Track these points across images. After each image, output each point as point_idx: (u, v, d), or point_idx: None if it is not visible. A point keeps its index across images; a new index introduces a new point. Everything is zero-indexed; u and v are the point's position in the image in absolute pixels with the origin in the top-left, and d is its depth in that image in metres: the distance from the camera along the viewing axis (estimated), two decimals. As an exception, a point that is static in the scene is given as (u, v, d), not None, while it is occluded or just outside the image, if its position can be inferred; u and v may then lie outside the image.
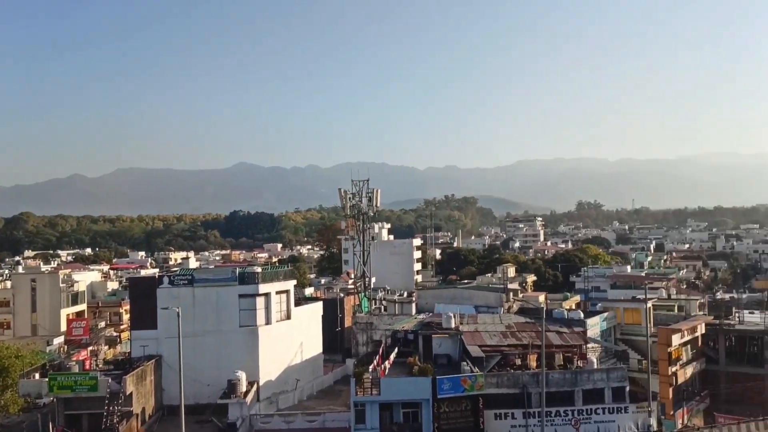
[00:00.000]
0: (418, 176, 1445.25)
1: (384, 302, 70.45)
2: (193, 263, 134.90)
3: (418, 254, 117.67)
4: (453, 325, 45.75)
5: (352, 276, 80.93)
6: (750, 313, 61.95)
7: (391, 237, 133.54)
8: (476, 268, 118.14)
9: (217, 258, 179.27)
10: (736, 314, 58.97)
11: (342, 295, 69.41)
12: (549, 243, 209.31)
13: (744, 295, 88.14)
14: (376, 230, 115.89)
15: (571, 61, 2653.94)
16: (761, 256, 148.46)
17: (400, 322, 53.10)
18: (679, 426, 45.57)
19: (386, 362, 41.79)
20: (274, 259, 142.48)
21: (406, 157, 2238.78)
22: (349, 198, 68.82)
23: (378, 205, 70.88)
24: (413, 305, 63.57)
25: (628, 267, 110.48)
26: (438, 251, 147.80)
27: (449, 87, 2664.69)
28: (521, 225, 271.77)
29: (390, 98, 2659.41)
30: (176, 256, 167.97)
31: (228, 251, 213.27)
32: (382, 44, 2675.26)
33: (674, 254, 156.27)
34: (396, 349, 44.58)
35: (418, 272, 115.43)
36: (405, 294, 79.64)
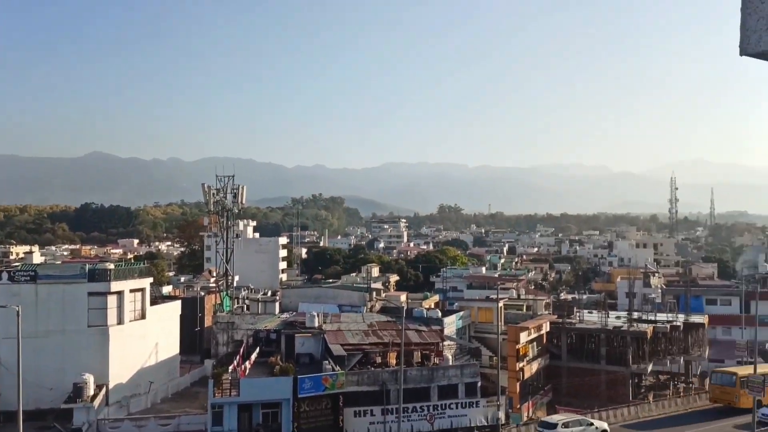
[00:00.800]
0: (286, 174, 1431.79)
1: (247, 301, 69.03)
2: (37, 258, 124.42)
3: (283, 253, 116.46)
4: (316, 324, 45.75)
5: (214, 274, 78.51)
6: (589, 312, 67.49)
7: (257, 235, 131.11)
8: (341, 268, 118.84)
9: (65, 253, 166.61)
10: (577, 313, 63.94)
11: (203, 293, 67.10)
12: (412, 244, 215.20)
13: (584, 296, 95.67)
14: (241, 227, 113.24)
15: (436, 67, 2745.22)
16: (600, 260, 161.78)
17: (262, 321, 52.26)
18: (525, 419, 48.62)
19: (247, 362, 40.99)
20: (130, 256, 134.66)
21: (275, 155, 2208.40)
22: (213, 194, 66.74)
23: (243, 202, 69.36)
24: (277, 304, 62.80)
25: (483, 268, 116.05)
26: (304, 250, 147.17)
27: (317, 85, 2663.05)
28: (386, 226, 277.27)
29: (258, 93, 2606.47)
30: (18, 251, 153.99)
31: (78, 246, 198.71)
32: (250, 35, 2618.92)
33: (524, 257, 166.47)
34: (258, 349, 43.88)
35: (283, 271, 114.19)
36: (269, 293, 78.51)
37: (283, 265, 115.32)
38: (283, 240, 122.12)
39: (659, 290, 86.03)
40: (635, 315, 62.64)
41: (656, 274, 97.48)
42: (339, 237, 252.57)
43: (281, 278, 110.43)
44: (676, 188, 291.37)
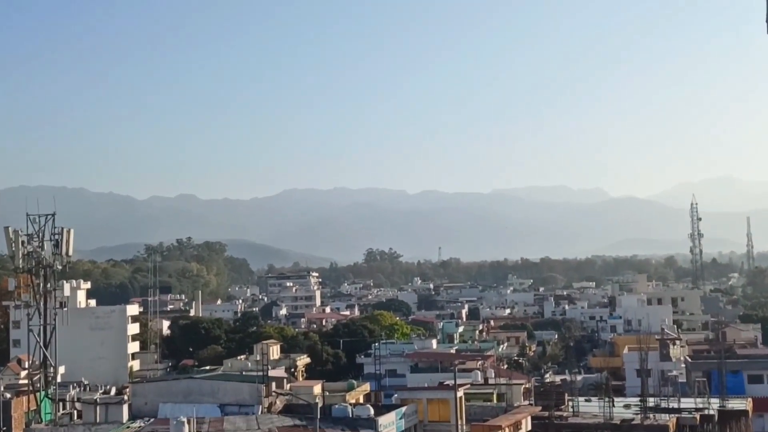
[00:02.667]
0: (137, 209, 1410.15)
1: (78, 405, 66.68)
2: None
3: (134, 328, 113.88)
4: (186, 436, 44.63)
5: (26, 365, 75.57)
6: (587, 400, 68.47)
7: (93, 302, 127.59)
8: (224, 348, 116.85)
9: None
10: (570, 403, 64.75)
11: (8, 395, 64.45)
12: (328, 309, 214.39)
13: (579, 377, 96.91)
14: (68, 292, 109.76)
15: (361, 76, 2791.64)
16: (598, 323, 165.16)
17: (103, 434, 50.48)
18: None
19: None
20: None
21: (118, 182, 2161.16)
22: (23, 242, 64.50)
23: (70, 252, 67.26)
24: (125, 408, 60.92)
25: (434, 341, 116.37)
26: (167, 323, 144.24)
27: (188, 83, 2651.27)
28: (289, 283, 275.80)
29: (92, 101, 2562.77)
30: None
31: None
32: (77, 44, 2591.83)
33: (492, 323, 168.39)
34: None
35: (134, 356, 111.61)
36: (112, 390, 76.15)
37: (134, 347, 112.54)
38: (133, 309, 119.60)
39: (683, 365, 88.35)
40: (651, 402, 63.93)
41: (678, 342, 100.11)
42: (219, 302, 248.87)
43: (131, 367, 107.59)
44: (699, 218, 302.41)
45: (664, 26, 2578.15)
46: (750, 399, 69.92)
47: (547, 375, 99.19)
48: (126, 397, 65.18)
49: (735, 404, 66.31)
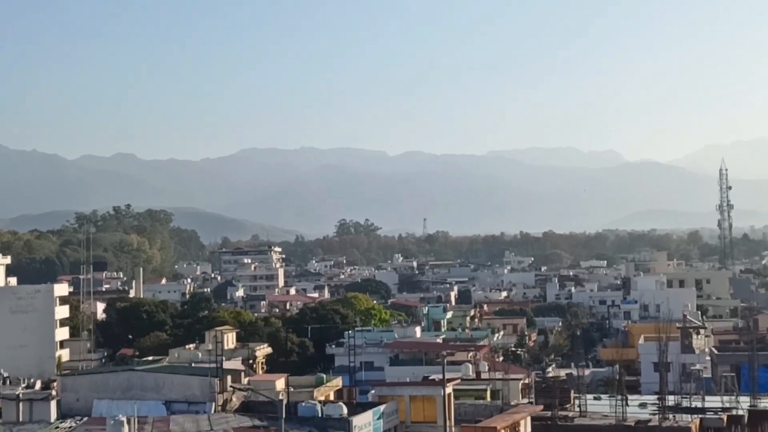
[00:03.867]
0: (66, 171, 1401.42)
1: (-3, 401, 66.61)
2: None
3: (64, 311, 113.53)
4: (126, 438, 44.73)
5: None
6: (595, 398, 68.99)
7: (13, 280, 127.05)
8: (169, 336, 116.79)
9: None
10: (576, 401, 65.23)
11: None
12: (293, 290, 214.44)
13: (587, 371, 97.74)
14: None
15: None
16: (610, 308, 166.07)
17: (27, 436, 50.44)
18: None
19: None
20: None
21: (46, 139, 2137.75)
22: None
23: (-11, 221, 67.03)
24: (52, 404, 60.89)
25: (418, 329, 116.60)
26: (102, 306, 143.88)
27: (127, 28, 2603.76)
28: (247, 260, 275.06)
29: (13, 42, 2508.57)
30: None
31: None
32: None
33: (486, 307, 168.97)
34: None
35: (63, 344, 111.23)
36: (37, 385, 76.05)
37: (62, 333, 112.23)
38: (62, 289, 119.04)
39: (708, 357, 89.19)
40: (670, 400, 64.51)
41: (702, 331, 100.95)
42: (164, 281, 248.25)
43: (59, 357, 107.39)
44: (729, 187, 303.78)
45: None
46: (785, 397, 70.75)
47: (550, 369, 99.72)
48: (54, 393, 65.08)
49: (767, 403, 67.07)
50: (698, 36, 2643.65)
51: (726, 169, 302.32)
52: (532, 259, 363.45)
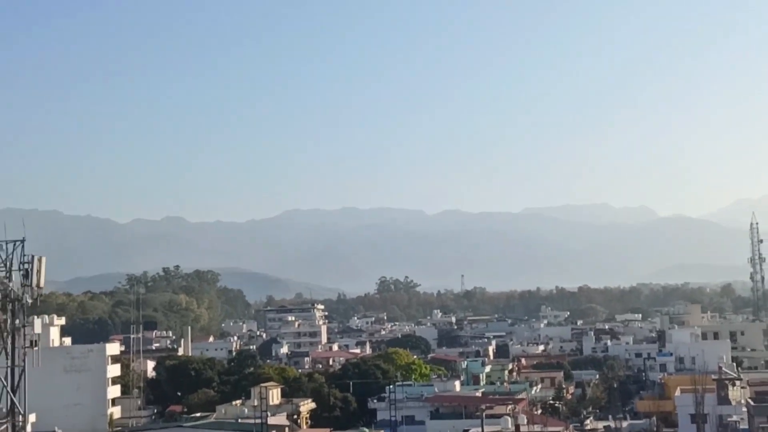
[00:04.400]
0: (118, 234, 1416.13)
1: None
2: None
3: (115, 370, 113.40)
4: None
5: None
6: (634, 450, 68.05)
7: (68, 340, 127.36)
8: (217, 392, 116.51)
9: None
10: (615, 453, 64.36)
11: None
12: (336, 346, 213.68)
13: (625, 423, 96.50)
14: (39, 329, 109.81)
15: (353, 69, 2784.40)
16: (646, 361, 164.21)
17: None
18: None
19: None
20: None
21: (96, 204, 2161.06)
22: (-12, 271, 64.63)
23: (42, 284, 67.22)
24: (104, 460, 60.89)
25: (457, 383, 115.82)
26: (152, 364, 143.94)
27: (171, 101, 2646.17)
28: (291, 317, 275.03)
29: (68, 114, 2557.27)
30: None
31: None
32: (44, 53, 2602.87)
33: (524, 361, 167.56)
34: None
35: (115, 401, 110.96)
36: (90, 441, 76.04)
37: (114, 391, 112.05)
38: (114, 348, 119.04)
39: (744, 409, 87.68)
40: (709, 452, 63.54)
41: (738, 383, 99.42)
42: (211, 339, 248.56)
43: (111, 414, 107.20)
44: (761, 240, 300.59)
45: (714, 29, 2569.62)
46: (823, 449, 69.38)
47: (588, 421, 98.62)
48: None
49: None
50: (727, 91, 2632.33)
51: (757, 223, 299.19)
52: (568, 313, 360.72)
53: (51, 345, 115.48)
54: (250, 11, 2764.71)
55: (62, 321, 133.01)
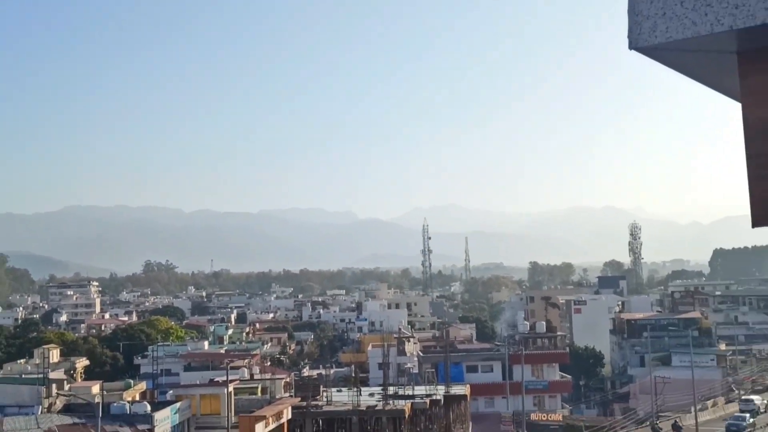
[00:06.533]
0: None
1: None
2: None
3: None
4: (-35, 438, 40.40)
5: None
6: (338, 390, 69.27)
7: None
8: (4, 353, 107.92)
9: None
10: (325, 393, 65.21)
11: None
12: (108, 315, 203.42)
13: (332, 371, 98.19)
14: None
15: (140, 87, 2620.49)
16: (348, 325, 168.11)
17: None
18: None
19: None
20: None
21: None
22: None
23: None
24: None
25: (206, 343, 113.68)
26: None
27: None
28: (70, 292, 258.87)
29: None
30: None
31: None
32: None
33: (258, 325, 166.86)
34: None
35: None
36: None
37: None
38: None
39: (415, 359, 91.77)
40: (391, 390, 65.71)
41: (412, 339, 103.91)
42: (0, 309, 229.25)
43: None
44: (429, 238, 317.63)
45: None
46: (468, 385, 73.75)
47: (305, 370, 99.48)
48: None
49: (457, 390, 69.56)
50: (408, 126, 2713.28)
51: (426, 225, 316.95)
52: (292, 289, 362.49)
53: None
54: None
55: None
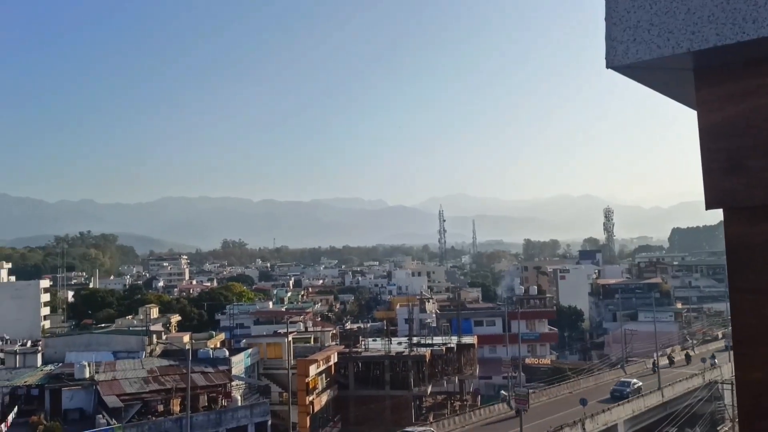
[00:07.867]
0: (48, 210, 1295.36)
1: (0, 354, 60.17)
2: None
3: (46, 297, 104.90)
4: (87, 375, 41.26)
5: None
6: (373, 340, 69.65)
7: (13, 278, 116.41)
8: (116, 311, 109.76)
9: None
10: (363, 342, 65.58)
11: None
12: (194, 281, 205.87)
13: (368, 325, 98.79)
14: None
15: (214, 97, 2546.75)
16: (380, 289, 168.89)
17: (21, 376, 45.79)
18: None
19: (2, 425, 35.43)
20: None
21: (33, 188, 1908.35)
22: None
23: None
24: (39, 356, 55.55)
25: (270, 303, 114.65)
26: (71, 293, 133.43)
27: (83, 115, 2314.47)
28: (165, 264, 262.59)
29: (12, 118, 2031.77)
30: None
31: None
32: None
33: (310, 289, 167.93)
34: (15, 409, 38.22)
35: (46, 317, 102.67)
36: (28, 343, 69.38)
37: (45, 311, 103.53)
38: (45, 283, 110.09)
39: (434, 315, 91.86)
40: (415, 340, 65.93)
41: (431, 300, 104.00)
42: (112, 278, 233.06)
43: (43, 326, 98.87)
44: (444, 220, 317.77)
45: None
46: (475, 336, 73.63)
47: (347, 324, 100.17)
48: (39, 348, 59.68)
49: (466, 340, 69.48)
50: (422, 114, 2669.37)
51: (442, 210, 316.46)
52: (336, 261, 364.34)
53: (1, 281, 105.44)
54: None
55: (9, 266, 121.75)
